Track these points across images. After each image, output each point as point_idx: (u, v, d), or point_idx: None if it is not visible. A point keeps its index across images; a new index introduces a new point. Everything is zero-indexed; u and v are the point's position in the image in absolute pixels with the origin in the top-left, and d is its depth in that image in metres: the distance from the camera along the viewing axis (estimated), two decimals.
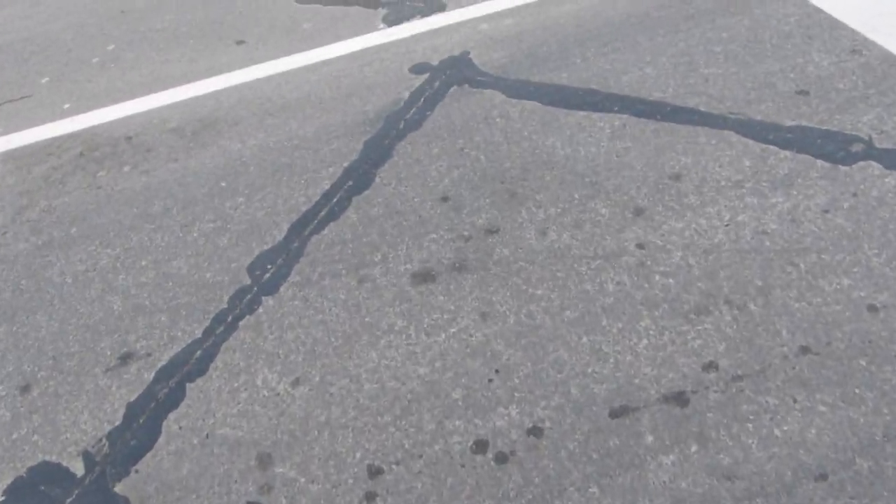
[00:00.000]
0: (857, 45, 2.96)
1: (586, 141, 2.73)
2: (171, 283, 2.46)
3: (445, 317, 2.19)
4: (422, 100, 3.07)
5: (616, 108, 2.86)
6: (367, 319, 2.22)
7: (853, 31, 3.04)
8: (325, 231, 2.55)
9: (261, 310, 2.31)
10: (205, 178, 2.89)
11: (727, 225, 2.33)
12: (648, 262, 2.27)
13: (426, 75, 3.21)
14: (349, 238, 2.51)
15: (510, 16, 3.52)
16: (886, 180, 2.40)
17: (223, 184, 2.85)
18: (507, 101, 2.98)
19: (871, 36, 3.00)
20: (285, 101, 3.22)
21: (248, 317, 2.29)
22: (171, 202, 2.80)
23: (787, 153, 2.55)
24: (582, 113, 2.87)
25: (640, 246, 2.32)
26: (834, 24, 3.09)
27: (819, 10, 3.18)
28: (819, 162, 2.49)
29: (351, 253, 2.45)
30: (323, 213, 2.62)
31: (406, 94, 3.12)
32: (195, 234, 2.64)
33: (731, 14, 3.25)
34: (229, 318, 2.30)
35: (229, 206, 2.73)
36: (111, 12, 4.20)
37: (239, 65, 3.54)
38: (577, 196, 2.52)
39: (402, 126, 2.96)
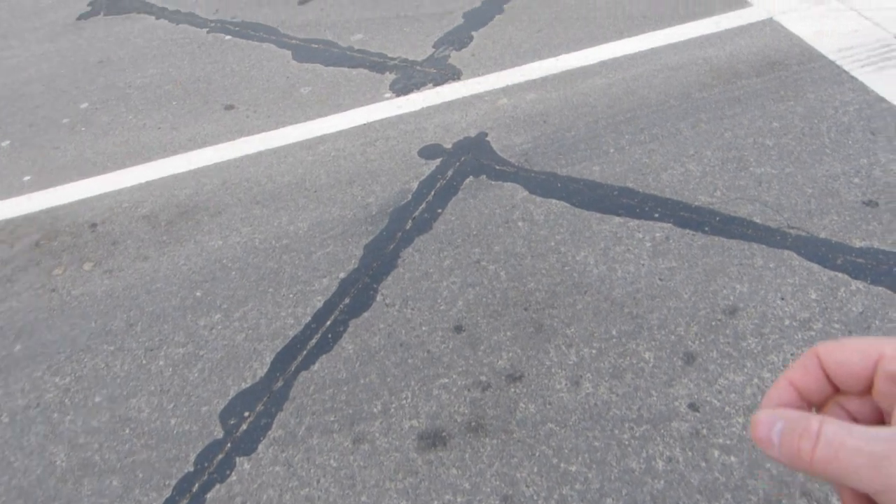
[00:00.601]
0: None
1: (624, 257, 2.35)
2: (127, 431, 2.07)
3: (459, 500, 1.80)
4: (432, 193, 2.69)
5: (657, 215, 2.48)
6: (363, 499, 1.83)
7: None
8: (316, 366, 2.16)
9: (234, 476, 1.91)
10: (178, 285, 2.50)
11: None
12: (704, 431, 1.88)
13: (438, 161, 2.83)
14: (344, 378, 2.12)
15: (533, 89, 3.14)
16: None
17: (198, 293, 2.46)
18: (531, 199, 2.60)
19: None
20: (276, 187, 2.83)
21: (217, 486, 1.90)
22: (136, 315, 2.41)
23: (860, 284, 2.17)
24: (618, 219, 2.49)
25: (693, 407, 1.93)
26: None
27: (881, 100, 2.81)
28: None
29: (345, 400, 2.06)
30: (314, 342, 2.24)
31: (415, 185, 2.74)
32: (161, 363, 2.25)
33: (783, 98, 2.88)
34: (195, 487, 1.91)
35: (203, 325, 2.34)
36: (88, 63, 3.81)
37: (226, 136, 3.15)
38: (615, 332, 2.13)
39: (409, 226, 2.57)
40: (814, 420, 0.37)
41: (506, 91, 3.15)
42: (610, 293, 2.25)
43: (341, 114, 3.16)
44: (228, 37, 3.82)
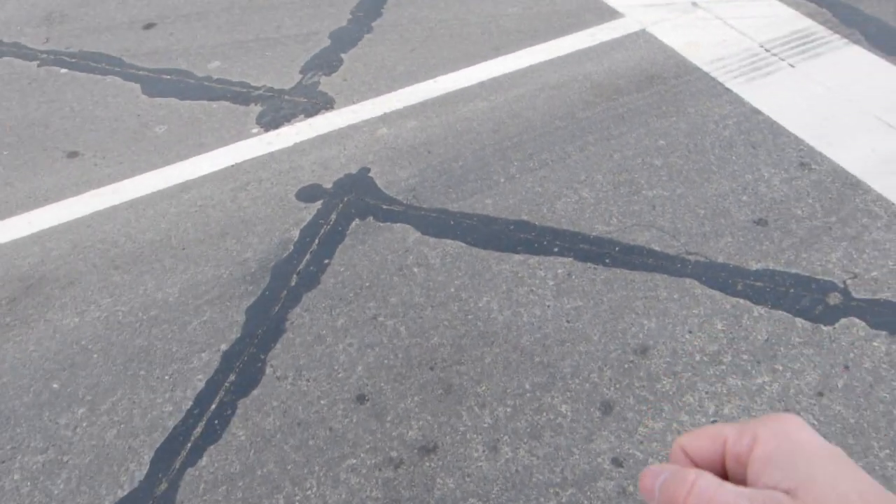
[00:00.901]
0: (805, 157, 2.68)
1: (528, 299, 2.26)
2: None
3: None
4: (316, 241, 2.49)
5: (556, 249, 2.41)
6: None
7: (797, 139, 2.76)
8: (204, 461, 1.93)
9: None
10: (29, 377, 2.16)
11: (714, 420, 1.94)
12: (631, 488, 1.83)
13: (319, 203, 2.63)
14: (238, 471, 1.90)
15: (412, 115, 3.00)
16: (875, 344, 2.10)
17: (55, 385, 2.14)
18: (424, 241, 2.46)
19: (816, 145, 2.73)
20: (136, 247, 2.53)
21: None
22: None
23: (761, 310, 2.20)
24: (517, 257, 2.40)
25: (616, 462, 1.87)
26: (776, 131, 2.80)
27: (757, 112, 2.89)
28: (798, 321, 2.16)
29: (242, 497, 1.85)
30: (199, 431, 2.00)
31: (296, 233, 2.53)
32: (16, 476, 1.93)
33: (665, 114, 2.90)
34: None
35: (65, 424, 2.04)
36: None
37: (72, 188, 2.79)
38: (528, 386, 2.04)
39: (294, 282, 2.36)
40: (691, 473, 0.42)
41: (384, 119, 2.98)
42: (518, 341, 2.15)
43: (205, 155, 2.88)
44: (64, 70, 3.40)
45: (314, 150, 2.86)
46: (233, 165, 2.81)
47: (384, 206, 2.60)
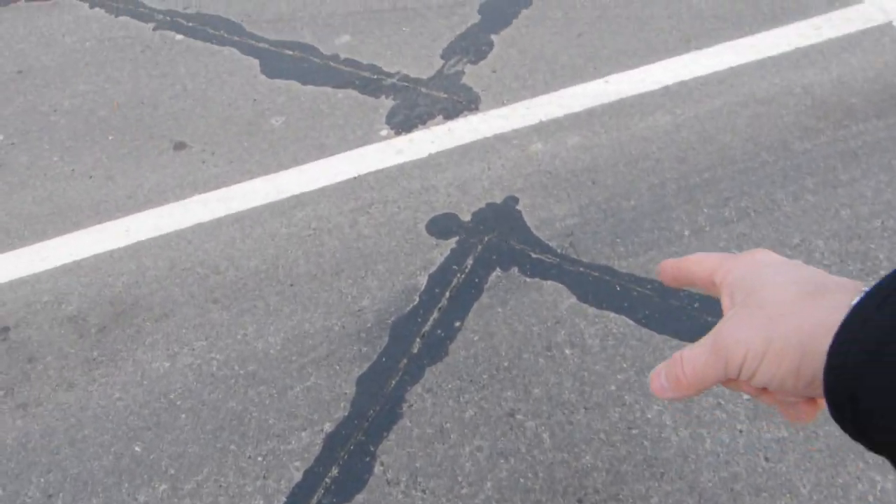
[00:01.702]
0: None
1: (713, 417, 1.78)
2: None
3: None
4: (447, 295, 2.09)
5: None
6: None
7: None
8: None
9: None
10: (111, 433, 1.93)
11: None
12: None
13: (453, 241, 2.21)
14: None
15: (575, 127, 2.48)
16: None
17: (137, 448, 1.90)
18: (581, 311, 2.01)
19: None
20: (239, 276, 2.22)
21: None
22: (57, 481, 1.86)
23: None
24: None
25: None
26: None
27: None
28: None
29: None
30: None
31: (423, 280, 2.13)
32: None
33: None
34: None
35: None
36: (4, 74, 3.10)
37: (176, 190, 2.51)
38: None
39: (416, 349, 1.99)
40: (676, 354, 0.50)
41: (540, 131, 2.49)
42: (696, 479, 1.68)
43: (324, 161, 2.51)
44: (180, 36, 3.10)
45: (452, 166, 2.42)
46: (355, 178, 2.43)
47: (533, 255, 2.15)
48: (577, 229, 2.19)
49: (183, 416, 1.95)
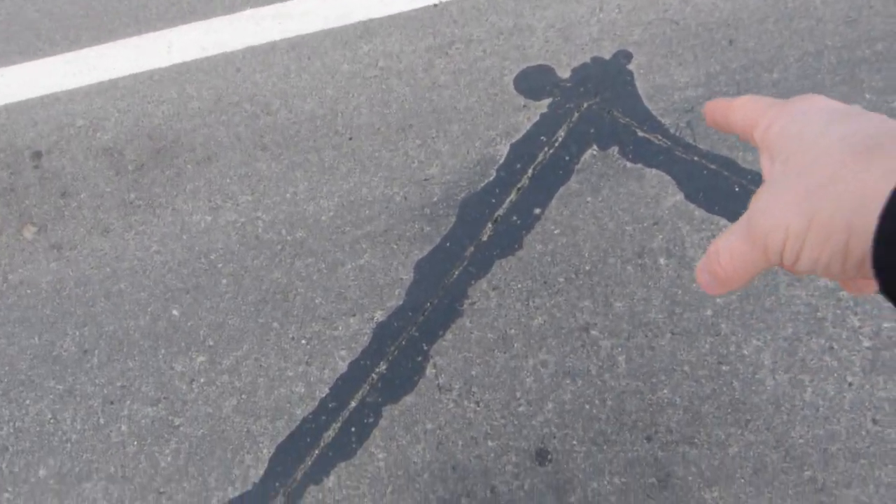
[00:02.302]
0: None
1: (821, 363, 1.56)
2: None
3: None
4: (529, 172, 1.82)
5: None
6: None
7: None
8: (331, 481, 1.60)
9: None
10: (148, 290, 1.85)
11: None
12: None
13: (545, 104, 1.89)
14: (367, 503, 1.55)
15: None
16: None
17: (175, 311, 1.81)
18: (687, 212, 1.72)
19: None
20: (292, 119, 1.97)
21: None
22: (92, 336, 1.81)
23: None
24: (825, 282, 1.62)
25: None
26: None
27: None
28: None
29: None
30: (330, 435, 1.64)
31: (503, 149, 1.85)
32: (123, 428, 1.71)
33: None
34: None
35: (181, 373, 1.75)
36: None
37: (222, 1, 2.18)
38: None
39: (486, 236, 1.77)
40: (713, 243, 0.46)
41: None
42: (786, 434, 1.50)
43: None
44: None
45: (555, 2, 2.00)
46: (436, 6, 2.05)
47: (639, 133, 1.82)
48: (699, 105, 1.82)
49: (224, 281, 1.83)
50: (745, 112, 0.47)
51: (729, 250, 0.43)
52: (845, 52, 1.83)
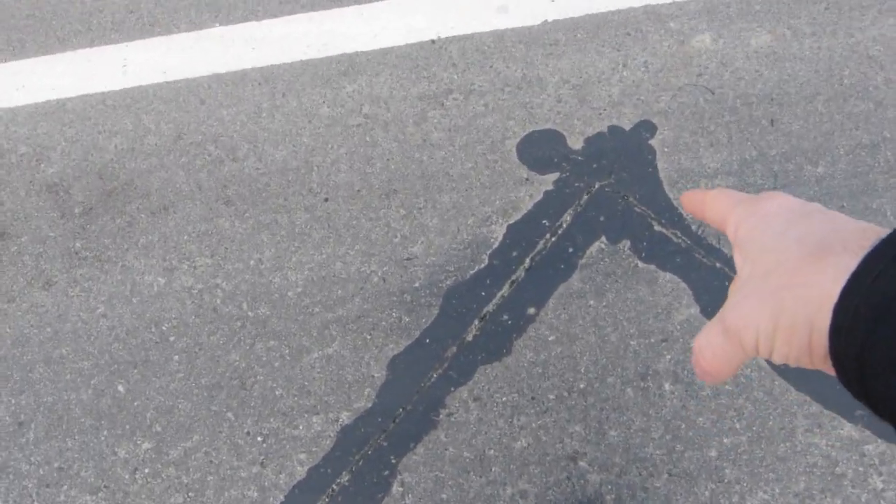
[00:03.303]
0: None
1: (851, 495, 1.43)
2: None
3: None
4: (525, 264, 1.66)
5: None
6: None
7: None
8: None
9: None
10: (92, 360, 1.72)
11: None
12: None
13: (550, 179, 1.70)
14: None
15: (769, 18, 1.75)
16: None
17: (121, 388, 1.69)
18: (703, 325, 1.55)
19: None
20: (262, 170, 1.78)
21: None
22: (30, 407, 1.70)
23: None
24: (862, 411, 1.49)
25: None
26: None
27: None
28: None
29: None
30: None
31: (498, 231, 1.68)
32: None
33: None
34: None
35: (124, 460, 1.64)
36: None
37: (185, 13, 1.94)
38: None
39: (471, 335, 1.63)
40: (696, 340, 0.48)
41: (714, 12, 1.76)
42: None
43: (400, 1, 1.87)
44: None
45: (572, 50, 1.78)
46: (433, 43, 1.82)
47: (656, 226, 1.64)
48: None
49: (176, 357, 1.69)
50: (716, 208, 0.51)
51: (710, 347, 0.46)
52: None
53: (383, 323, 1.66)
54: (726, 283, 1.60)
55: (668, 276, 1.62)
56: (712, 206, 0.52)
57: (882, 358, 0.34)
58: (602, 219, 1.67)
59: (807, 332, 0.40)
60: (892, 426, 0.36)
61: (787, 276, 0.41)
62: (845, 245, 0.40)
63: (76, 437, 1.68)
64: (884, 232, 0.40)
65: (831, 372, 0.42)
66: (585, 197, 1.68)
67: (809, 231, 0.42)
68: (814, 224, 0.43)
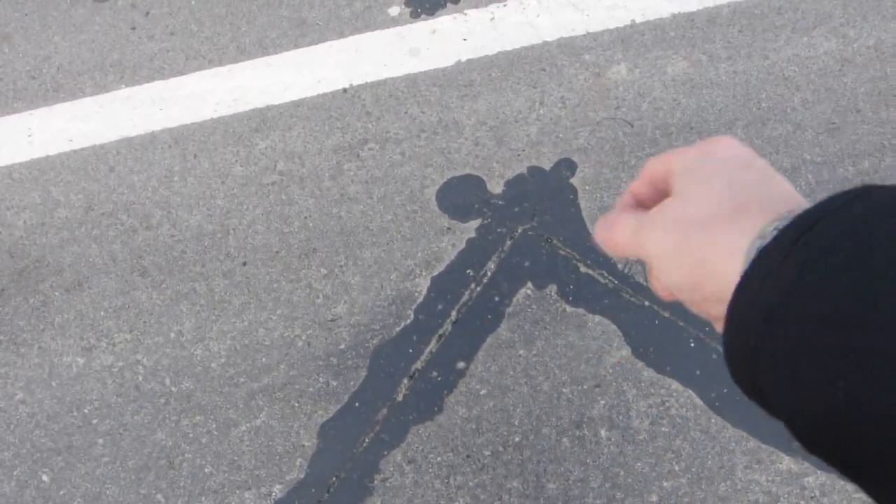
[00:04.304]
0: None
1: None
2: None
3: None
4: (451, 316, 1.66)
5: None
6: None
7: None
8: None
9: None
10: (13, 452, 1.71)
11: None
12: None
13: (473, 226, 1.70)
14: None
15: (683, 44, 1.76)
16: None
17: (45, 478, 1.68)
18: (635, 377, 1.58)
19: None
20: (177, 237, 1.78)
21: None
22: None
23: None
24: (787, 465, 1.50)
25: None
26: None
27: None
28: None
29: None
30: None
31: (422, 285, 1.69)
32: None
33: None
34: None
35: None
36: None
37: (91, 75, 1.92)
38: None
39: (401, 396, 1.63)
40: (609, 216, 0.52)
41: (628, 41, 1.77)
42: None
43: (304, 51, 1.87)
44: None
45: (488, 90, 1.78)
46: (345, 91, 1.82)
47: (582, 268, 1.64)
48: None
49: (100, 441, 1.67)
50: (657, 171, 0.52)
51: (620, 232, 0.50)
52: (826, 169, 1.64)
53: (311, 389, 1.66)
54: (656, 322, 1.61)
55: (598, 318, 1.63)
56: (652, 173, 0.52)
57: (772, 357, 0.35)
58: (527, 264, 1.67)
59: (700, 273, 0.43)
60: (782, 423, 0.37)
61: (699, 226, 0.43)
62: (762, 207, 0.42)
63: None
64: (792, 203, 0.42)
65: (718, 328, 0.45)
66: (509, 242, 1.69)
67: (742, 184, 0.44)
68: (747, 177, 0.45)
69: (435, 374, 1.64)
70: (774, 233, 0.38)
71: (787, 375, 0.35)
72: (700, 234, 0.43)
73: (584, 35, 1.81)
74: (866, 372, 0.31)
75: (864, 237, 0.34)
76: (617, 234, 0.50)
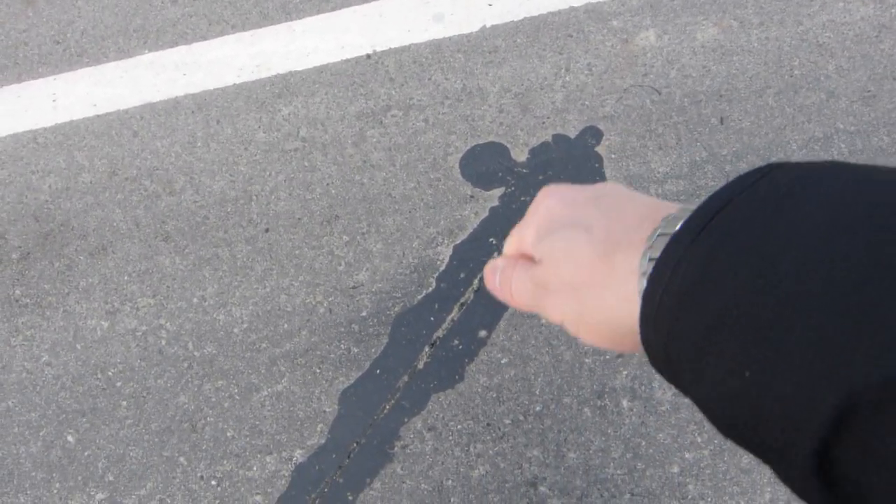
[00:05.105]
0: None
1: None
2: None
3: None
4: (473, 285, 1.67)
5: None
6: None
7: None
8: None
9: None
10: (39, 412, 1.75)
11: None
12: None
13: (496, 194, 1.72)
14: None
15: (715, 9, 1.74)
16: None
17: (70, 439, 1.74)
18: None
19: None
20: (200, 203, 1.81)
21: None
22: None
23: None
24: None
25: None
26: None
27: None
28: None
29: None
30: None
31: (444, 253, 1.70)
32: None
33: None
34: None
35: None
36: None
37: (114, 41, 1.95)
38: None
39: (422, 364, 1.66)
40: (504, 264, 0.52)
41: (655, 5, 1.76)
42: None
43: (327, 16, 1.89)
44: None
45: (513, 57, 1.79)
46: (368, 57, 1.83)
47: None
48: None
49: (124, 403, 1.72)
50: (512, 252, 0.53)
51: (520, 293, 0.50)
52: (859, 138, 1.63)
53: (332, 355, 1.69)
54: None
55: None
56: (513, 249, 0.53)
57: (684, 347, 0.36)
58: None
59: (608, 329, 0.44)
60: (703, 413, 0.38)
61: (583, 276, 0.44)
62: (630, 240, 0.42)
63: (28, 492, 1.72)
64: (663, 210, 0.42)
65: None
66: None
67: (594, 229, 0.44)
68: (593, 219, 0.45)
69: (456, 342, 1.67)
70: (663, 239, 0.38)
71: (694, 368, 0.35)
72: (592, 289, 0.43)
73: (612, 0, 1.80)
74: (769, 362, 0.31)
75: (767, 219, 0.34)
76: (516, 296, 0.50)
